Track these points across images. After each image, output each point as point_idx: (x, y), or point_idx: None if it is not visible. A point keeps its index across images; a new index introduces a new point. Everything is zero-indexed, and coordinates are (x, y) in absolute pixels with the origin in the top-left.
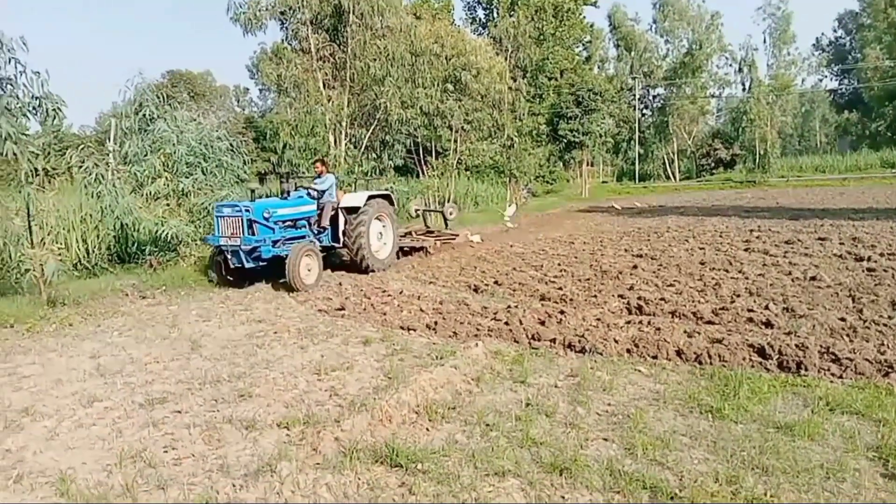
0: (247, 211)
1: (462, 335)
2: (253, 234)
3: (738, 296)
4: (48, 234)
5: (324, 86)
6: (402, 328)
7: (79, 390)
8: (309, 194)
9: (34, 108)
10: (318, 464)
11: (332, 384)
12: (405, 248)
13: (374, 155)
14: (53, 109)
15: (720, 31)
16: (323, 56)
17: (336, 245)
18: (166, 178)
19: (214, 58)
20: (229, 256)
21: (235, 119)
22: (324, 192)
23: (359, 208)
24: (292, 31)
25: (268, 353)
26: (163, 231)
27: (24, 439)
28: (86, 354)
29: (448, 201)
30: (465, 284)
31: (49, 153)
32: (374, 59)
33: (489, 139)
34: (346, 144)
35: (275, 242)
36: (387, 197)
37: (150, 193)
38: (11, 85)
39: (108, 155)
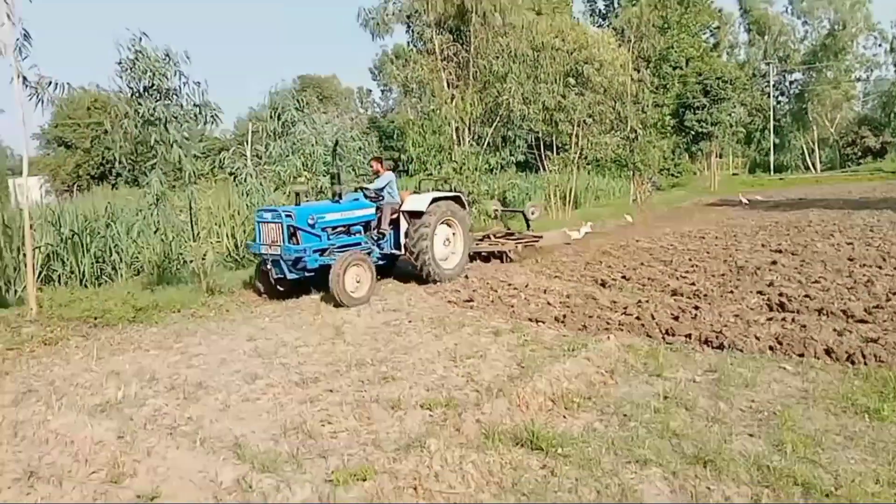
0: (287, 217)
1: (592, 328)
2: (296, 242)
3: (895, 294)
4: (202, 229)
5: (448, 85)
6: (530, 320)
7: (241, 369)
8: (365, 196)
9: (195, 115)
10: (461, 443)
11: (468, 371)
12: (483, 254)
13: (496, 151)
14: (212, 116)
15: (867, 9)
16: (447, 56)
17: (397, 252)
18: (306, 176)
19: (339, 61)
20: (269, 267)
21: (359, 120)
22: (380, 192)
23: (422, 213)
24: (417, 33)
25: (405, 340)
26: None
27: (200, 409)
28: (243, 337)
29: (531, 200)
30: (592, 279)
31: (207, 156)
32: (497, 57)
33: (611, 132)
34: (469, 142)
35: (322, 251)
36: (457, 199)
37: (293, 191)
38: (177, 94)
39: (247, 156)
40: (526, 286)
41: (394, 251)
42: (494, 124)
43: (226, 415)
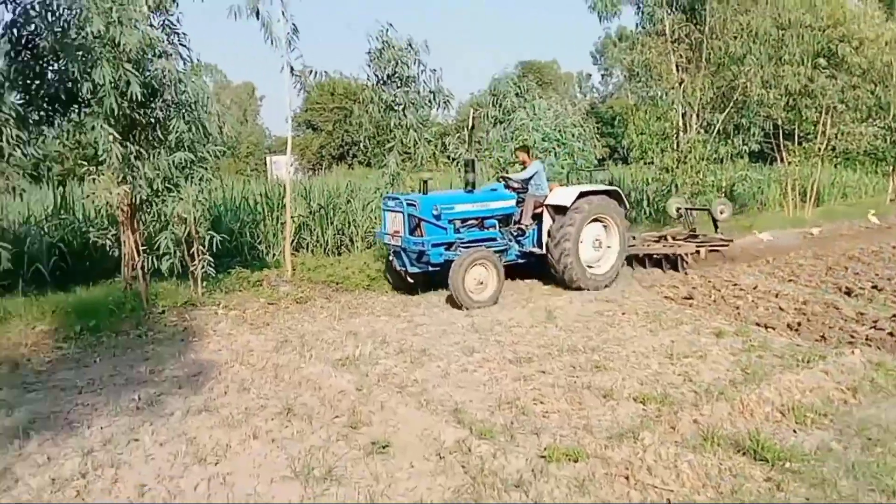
0: (410, 206)
1: (832, 340)
2: (419, 233)
3: None
4: None
5: (677, 68)
6: (758, 325)
7: (460, 341)
8: (507, 186)
9: (429, 101)
10: (676, 441)
11: (685, 370)
12: (654, 257)
13: (726, 140)
14: (444, 101)
15: None
16: (678, 37)
17: (537, 251)
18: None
19: (559, 46)
20: (392, 258)
21: (580, 106)
22: (526, 183)
23: (566, 208)
24: (647, 13)
25: (618, 332)
26: None
27: (424, 373)
28: (461, 313)
29: (721, 196)
30: (834, 286)
31: (430, 141)
32: (735, 37)
33: (868, 121)
34: (696, 129)
35: (449, 245)
36: (614, 194)
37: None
38: (415, 81)
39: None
40: (754, 288)
41: (534, 249)
42: (727, 110)
43: (446, 381)
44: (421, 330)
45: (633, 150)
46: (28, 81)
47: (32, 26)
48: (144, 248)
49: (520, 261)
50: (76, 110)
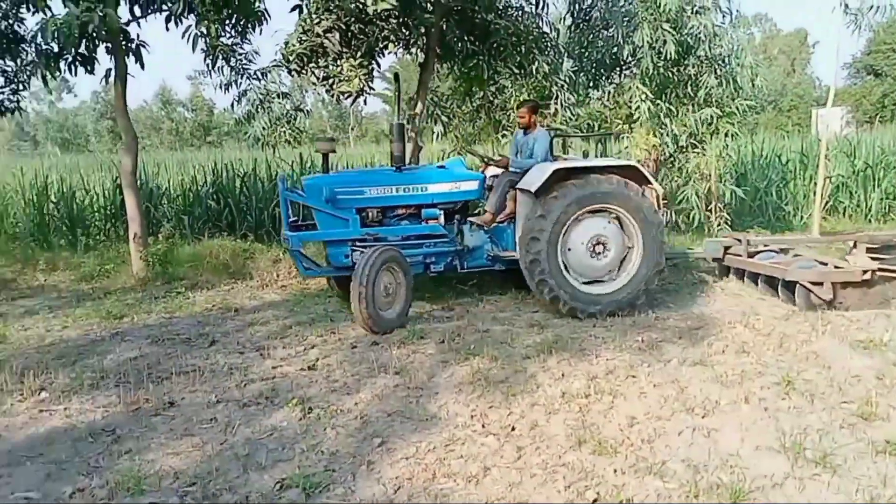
0: (294, 190)
1: None
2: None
3: None
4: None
5: None
6: None
7: None
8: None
9: None
10: None
11: None
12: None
13: None
14: None
15: None
16: None
17: (501, 256)
18: None
19: None
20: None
21: None
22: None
23: (537, 193)
24: None
25: None
26: None
27: None
28: None
29: None
30: None
31: None
32: None
33: None
34: None
35: (354, 244)
36: (629, 170)
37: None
38: None
39: None
40: None
41: (507, 254)
42: None
43: None
44: None
45: None
46: (582, 49)
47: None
48: (665, 202)
49: (491, 266)
50: (618, 73)
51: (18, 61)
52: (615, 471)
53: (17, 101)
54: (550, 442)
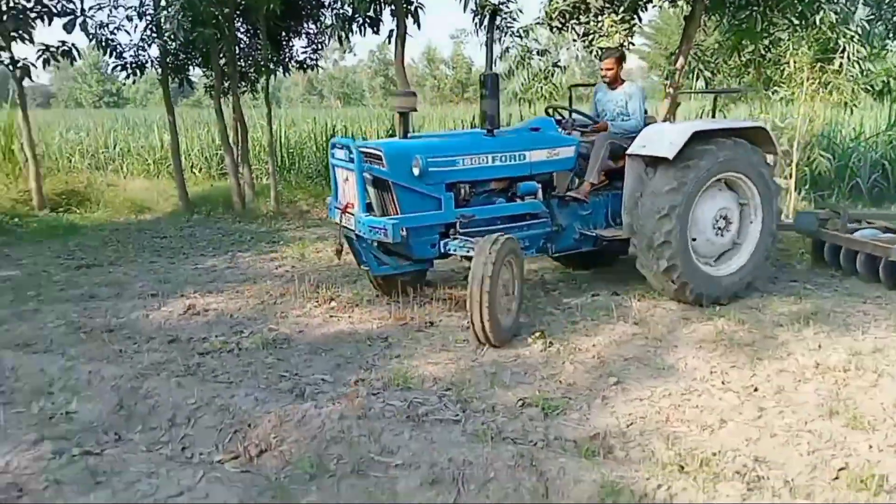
0: (371, 161)
1: None
2: (394, 210)
3: None
4: None
5: None
6: None
7: None
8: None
9: None
10: None
11: None
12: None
13: None
14: None
15: None
16: None
17: (610, 235)
18: None
19: None
20: (342, 245)
21: None
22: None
23: (667, 160)
24: None
25: None
26: None
27: None
28: None
29: None
30: None
31: None
32: None
33: None
34: None
35: (445, 229)
36: (756, 136)
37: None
38: None
39: None
40: None
41: (606, 233)
42: None
43: None
44: None
45: None
46: None
47: None
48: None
49: (578, 248)
50: None
51: (318, 24)
52: (870, 446)
53: (316, 60)
54: (797, 408)
